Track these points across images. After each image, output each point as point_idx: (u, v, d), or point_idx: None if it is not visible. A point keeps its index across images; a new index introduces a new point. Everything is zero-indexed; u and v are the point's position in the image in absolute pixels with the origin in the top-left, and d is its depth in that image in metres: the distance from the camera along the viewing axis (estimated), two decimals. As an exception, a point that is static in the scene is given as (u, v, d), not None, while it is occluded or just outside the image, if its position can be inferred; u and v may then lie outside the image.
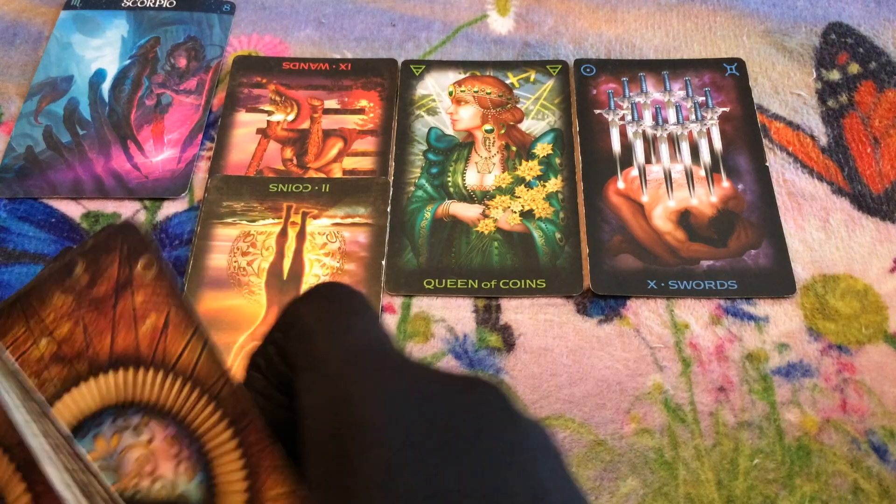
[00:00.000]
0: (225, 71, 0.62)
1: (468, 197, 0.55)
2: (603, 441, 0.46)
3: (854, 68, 0.61)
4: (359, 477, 0.22)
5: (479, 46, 0.63)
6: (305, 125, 0.59)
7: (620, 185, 0.56)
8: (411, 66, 0.62)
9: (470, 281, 0.52)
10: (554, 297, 0.51)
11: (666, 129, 0.58)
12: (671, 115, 0.59)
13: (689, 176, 0.56)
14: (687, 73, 0.61)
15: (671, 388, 0.48)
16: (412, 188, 0.56)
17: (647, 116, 0.59)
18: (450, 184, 0.56)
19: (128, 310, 0.25)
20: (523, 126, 0.59)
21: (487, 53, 0.63)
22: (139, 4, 0.65)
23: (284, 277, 0.52)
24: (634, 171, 0.56)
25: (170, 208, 0.55)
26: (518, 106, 0.60)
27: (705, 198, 0.55)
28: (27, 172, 0.57)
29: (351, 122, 0.59)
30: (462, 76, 0.61)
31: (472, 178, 0.56)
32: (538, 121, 0.59)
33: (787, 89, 0.60)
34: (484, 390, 0.24)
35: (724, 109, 0.59)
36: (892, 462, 0.45)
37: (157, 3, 0.65)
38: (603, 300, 0.51)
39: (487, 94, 0.60)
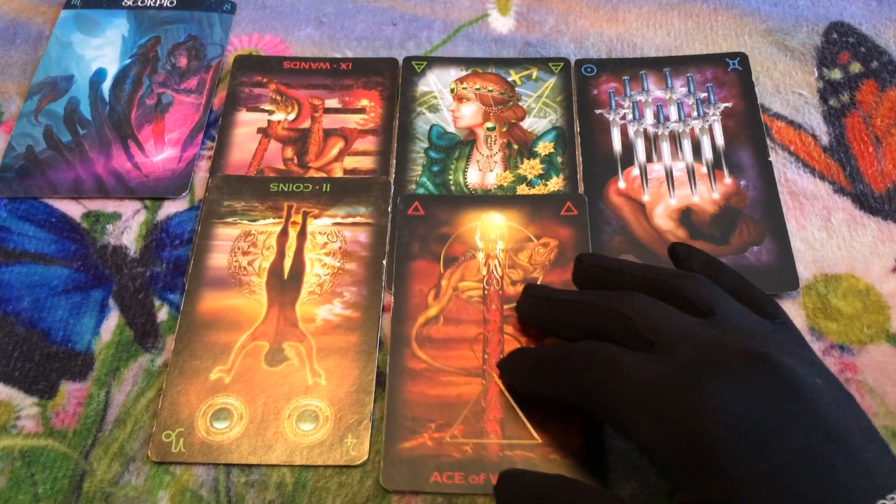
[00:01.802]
0: (225, 70, 0.62)
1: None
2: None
3: (856, 67, 0.61)
4: None
5: (479, 46, 0.63)
6: (306, 124, 0.59)
7: (621, 184, 0.55)
8: (413, 63, 0.61)
9: (471, 280, 0.52)
10: (555, 297, 0.51)
11: (667, 127, 0.58)
12: (673, 112, 0.58)
13: (691, 173, 0.56)
14: (689, 69, 0.60)
15: (673, 387, 0.48)
16: (413, 186, 0.56)
17: (649, 114, 0.58)
18: (451, 182, 0.56)
19: None
20: (525, 124, 0.59)
21: (488, 53, 0.63)
22: (139, 4, 0.65)
23: (285, 277, 0.51)
24: (635, 171, 0.56)
25: (170, 208, 0.55)
26: (520, 104, 0.59)
27: (707, 195, 0.55)
28: (27, 172, 0.56)
29: (352, 121, 0.59)
30: (464, 73, 0.61)
31: (474, 176, 0.56)
32: (540, 119, 0.59)
33: (788, 88, 0.60)
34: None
35: (727, 104, 0.58)
36: (895, 462, 0.45)
37: (158, 2, 0.65)
38: (604, 299, 0.51)
39: (489, 91, 0.60)
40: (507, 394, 0.47)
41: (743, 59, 0.61)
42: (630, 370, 0.36)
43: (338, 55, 0.63)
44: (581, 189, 0.55)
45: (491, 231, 0.53)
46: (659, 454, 0.34)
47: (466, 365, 0.48)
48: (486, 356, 0.48)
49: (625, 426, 0.36)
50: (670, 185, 0.55)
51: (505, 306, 0.50)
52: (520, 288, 0.50)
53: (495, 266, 0.51)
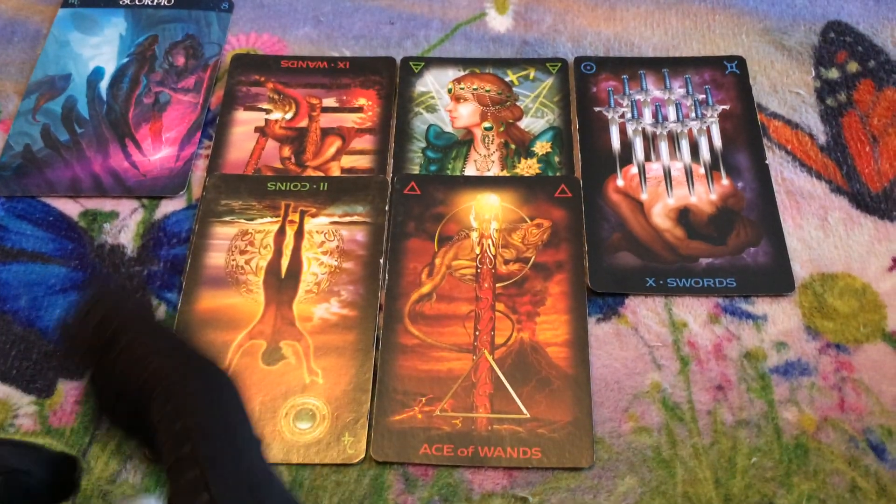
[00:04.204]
0: (223, 69, 0.62)
1: (467, 195, 0.55)
2: (601, 439, 0.46)
3: (853, 67, 0.61)
4: None
5: (477, 44, 0.63)
6: (304, 123, 0.59)
7: (620, 182, 0.55)
8: (410, 63, 0.62)
9: (468, 279, 0.52)
10: (552, 296, 0.51)
11: (666, 127, 0.58)
12: (671, 112, 0.59)
13: (689, 174, 0.56)
14: (687, 70, 0.60)
15: (669, 386, 0.48)
16: (411, 186, 0.56)
17: (647, 114, 0.59)
18: (448, 182, 0.56)
19: None
20: (522, 124, 0.59)
21: (486, 51, 0.63)
22: (137, 3, 0.65)
23: (282, 275, 0.51)
24: (634, 169, 0.56)
25: (167, 206, 0.55)
26: (517, 104, 0.60)
27: (705, 195, 0.55)
28: (25, 171, 0.56)
29: (349, 120, 0.59)
30: (461, 73, 0.61)
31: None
32: (537, 119, 0.59)
33: (785, 88, 0.60)
34: None
35: (724, 107, 0.59)
36: (890, 460, 0.45)
37: (156, 1, 0.65)
38: (601, 298, 0.51)
39: (487, 91, 0.60)
40: (496, 369, 0.48)
41: (741, 62, 0.61)
42: None
43: (335, 54, 0.63)
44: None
45: (486, 211, 0.54)
46: None
47: (458, 341, 0.49)
48: (477, 333, 0.49)
49: None
50: (668, 184, 0.55)
51: (497, 285, 0.51)
52: (513, 267, 0.51)
53: (489, 245, 0.52)
